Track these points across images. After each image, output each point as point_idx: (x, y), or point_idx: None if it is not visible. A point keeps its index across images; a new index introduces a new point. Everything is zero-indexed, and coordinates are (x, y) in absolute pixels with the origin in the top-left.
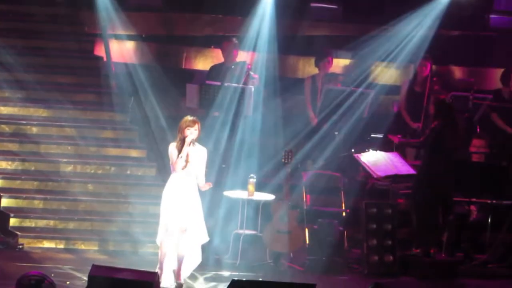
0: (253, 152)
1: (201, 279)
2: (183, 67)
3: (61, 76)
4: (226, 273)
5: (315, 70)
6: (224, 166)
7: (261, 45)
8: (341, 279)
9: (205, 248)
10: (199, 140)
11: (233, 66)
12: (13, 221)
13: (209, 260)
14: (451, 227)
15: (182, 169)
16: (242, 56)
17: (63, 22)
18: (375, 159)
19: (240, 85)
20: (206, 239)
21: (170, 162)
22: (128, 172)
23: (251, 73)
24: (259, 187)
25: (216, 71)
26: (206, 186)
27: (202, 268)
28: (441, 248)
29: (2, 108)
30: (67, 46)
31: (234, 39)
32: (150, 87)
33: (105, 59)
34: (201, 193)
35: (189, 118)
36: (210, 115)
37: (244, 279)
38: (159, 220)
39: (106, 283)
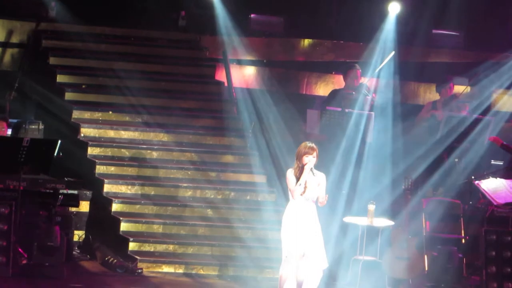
0: (374, 178)
1: None
2: (304, 92)
3: (182, 101)
4: None
5: (436, 97)
6: (343, 192)
7: (382, 72)
8: None
9: (324, 273)
10: (319, 164)
11: (353, 92)
12: (132, 246)
13: (328, 285)
14: None
15: (301, 195)
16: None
17: (184, 47)
18: (495, 186)
19: (361, 111)
20: (325, 265)
21: (288, 188)
22: (248, 197)
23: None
24: (379, 213)
25: (336, 96)
26: (324, 201)
27: None
28: None
29: (123, 132)
30: (188, 71)
31: (357, 65)
32: (270, 112)
33: (226, 84)
34: (329, 219)
35: (307, 144)
36: (330, 141)
37: None
38: (282, 246)
39: None
